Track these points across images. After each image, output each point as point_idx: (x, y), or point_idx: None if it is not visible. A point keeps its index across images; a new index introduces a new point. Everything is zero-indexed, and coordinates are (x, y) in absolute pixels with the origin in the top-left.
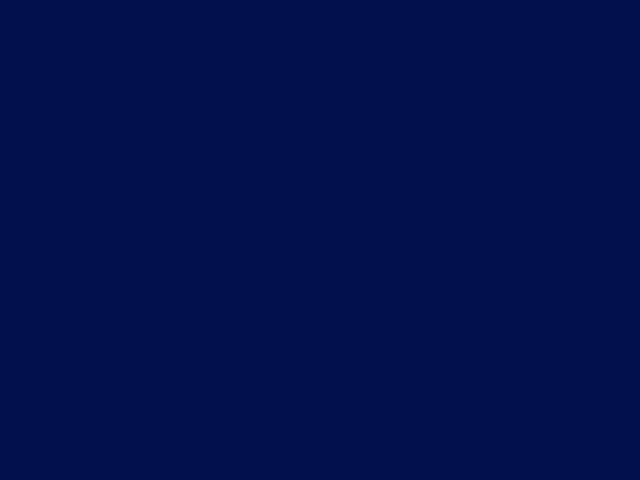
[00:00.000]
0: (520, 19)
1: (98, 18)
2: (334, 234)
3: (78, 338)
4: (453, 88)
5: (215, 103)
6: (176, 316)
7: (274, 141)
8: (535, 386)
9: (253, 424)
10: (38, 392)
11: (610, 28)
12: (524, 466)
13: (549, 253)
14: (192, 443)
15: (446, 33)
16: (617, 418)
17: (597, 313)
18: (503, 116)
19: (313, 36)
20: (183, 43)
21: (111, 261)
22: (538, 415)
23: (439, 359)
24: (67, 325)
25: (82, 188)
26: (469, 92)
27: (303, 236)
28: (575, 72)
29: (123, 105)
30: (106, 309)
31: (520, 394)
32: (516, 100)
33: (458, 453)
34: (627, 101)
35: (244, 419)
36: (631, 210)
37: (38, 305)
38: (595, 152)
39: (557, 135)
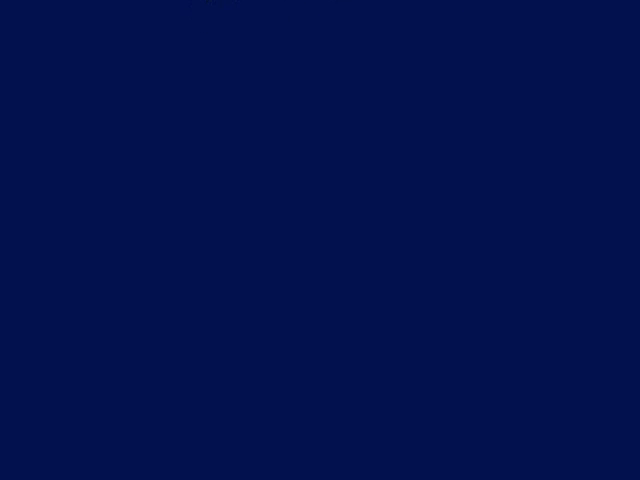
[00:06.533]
0: (520, 19)
1: (98, 18)
2: (334, 234)
3: (78, 338)
4: (453, 88)
5: (215, 103)
6: (176, 316)
7: (274, 141)
8: (535, 386)
9: (253, 424)
10: (38, 392)
11: (610, 28)
12: (524, 466)
13: (549, 253)
14: (192, 443)
15: (446, 33)
16: (617, 418)
17: (597, 313)
18: (503, 116)
19: (313, 37)
20: (183, 43)
21: (111, 261)
22: (538, 415)
23: (439, 359)
24: (67, 325)
25: (82, 188)
26: (469, 92)
27: (303, 236)
28: (575, 72)
29: (123, 105)
30: (106, 309)
31: (520, 394)
32: (516, 100)
33: (458, 453)
34: (627, 101)
35: (244, 419)
36: (631, 210)
37: (38, 305)
38: (595, 152)
39: (557, 135)
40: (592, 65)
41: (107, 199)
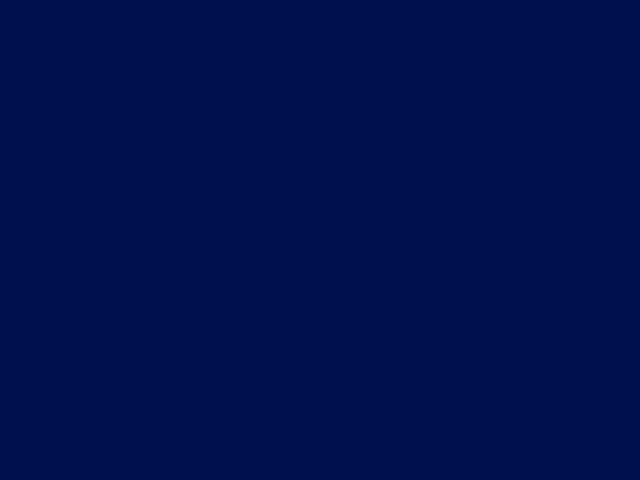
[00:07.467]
0: (520, 19)
1: (98, 18)
2: (334, 234)
3: (78, 338)
4: (453, 88)
5: (215, 103)
6: (176, 316)
7: (274, 141)
8: (535, 386)
9: (253, 424)
10: (38, 392)
11: (610, 28)
12: (524, 466)
13: (549, 253)
14: (192, 443)
15: (446, 33)
16: (617, 418)
17: (597, 313)
18: (503, 116)
19: (313, 36)
20: (183, 43)
21: (111, 261)
22: (538, 415)
23: (439, 359)
24: (67, 325)
25: (82, 188)
26: (469, 92)
27: (303, 236)
28: (575, 72)
29: (123, 105)
30: (106, 309)
31: (520, 394)
32: (516, 100)
33: (458, 453)
34: (627, 101)
35: (244, 419)
36: (631, 210)
37: (38, 305)
38: (595, 152)
39: (557, 135)
40: (592, 65)
41: (105, 198)
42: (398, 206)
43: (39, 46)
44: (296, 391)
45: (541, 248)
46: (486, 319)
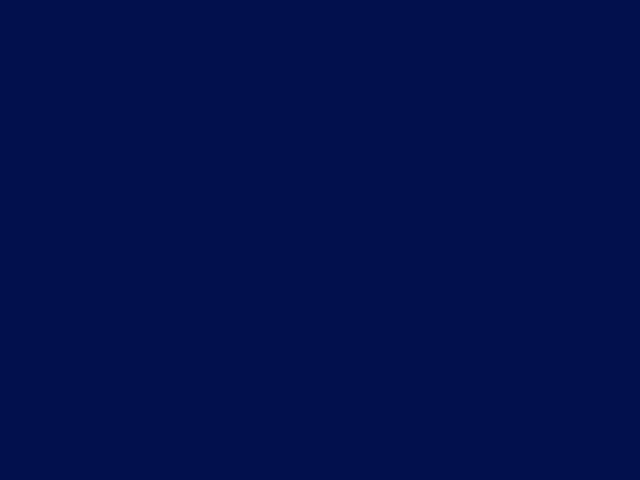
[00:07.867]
0: (520, 19)
1: (98, 18)
2: (334, 234)
3: (78, 338)
4: (453, 88)
5: (215, 103)
6: (176, 316)
7: (274, 141)
8: (535, 386)
9: (253, 424)
10: (38, 392)
11: (610, 28)
12: (524, 466)
13: (549, 253)
14: (192, 443)
15: (446, 33)
16: (617, 418)
17: (597, 313)
18: (503, 116)
19: (313, 36)
20: (183, 43)
21: (111, 261)
22: (538, 415)
23: (439, 359)
24: (67, 325)
25: (82, 188)
26: (469, 92)
27: (303, 236)
28: (575, 72)
29: (123, 105)
30: (106, 309)
31: (520, 394)
32: (516, 100)
33: (458, 453)
34: (627, 101)
35: (244, 419)
36: (631, 210)
37: (38, 305)
38: (595, 152)
39: (557, 135)
40: (592, 65)
41: (105, 198)
42: (398, 206)
43: (39, 46)
44: (296, 391)
45: (541, 248)
46: (486, 319)
